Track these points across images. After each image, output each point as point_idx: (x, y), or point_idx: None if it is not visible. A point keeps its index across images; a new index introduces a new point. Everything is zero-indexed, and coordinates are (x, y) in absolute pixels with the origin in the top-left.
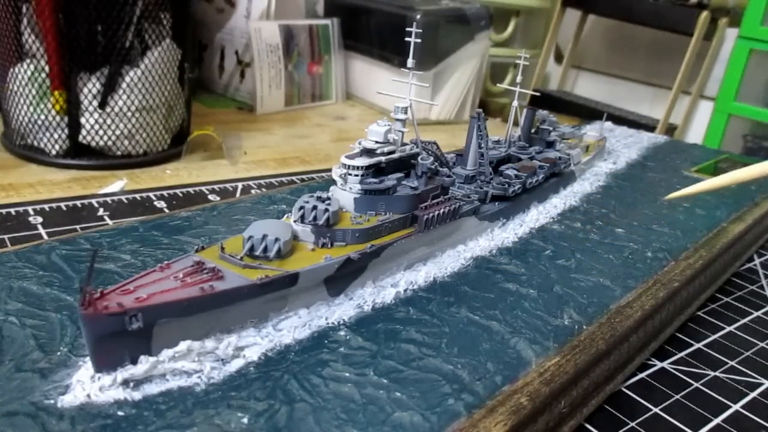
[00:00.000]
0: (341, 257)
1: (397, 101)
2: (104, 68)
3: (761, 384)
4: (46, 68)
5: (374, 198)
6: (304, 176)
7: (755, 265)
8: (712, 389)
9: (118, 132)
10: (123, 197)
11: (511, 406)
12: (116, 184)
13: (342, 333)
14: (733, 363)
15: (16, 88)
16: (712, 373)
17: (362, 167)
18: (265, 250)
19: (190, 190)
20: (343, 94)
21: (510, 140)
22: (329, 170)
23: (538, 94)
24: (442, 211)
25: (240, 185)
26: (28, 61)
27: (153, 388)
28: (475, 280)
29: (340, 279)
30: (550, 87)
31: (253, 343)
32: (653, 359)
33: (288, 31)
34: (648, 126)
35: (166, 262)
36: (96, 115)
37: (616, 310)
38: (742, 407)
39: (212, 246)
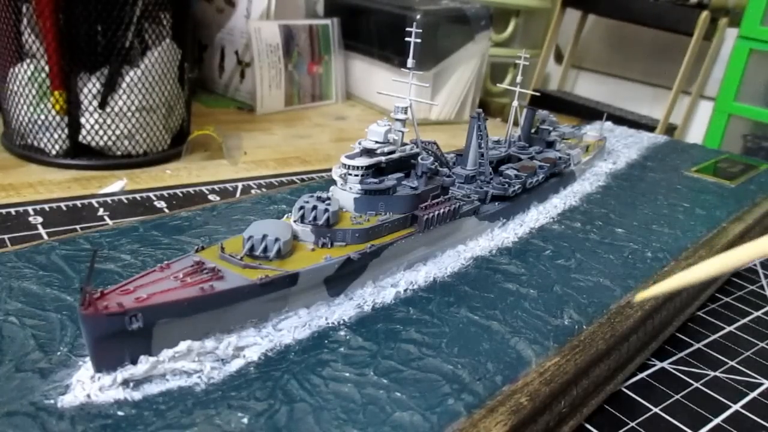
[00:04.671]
0: (341, 257)
1: (397, 101)
2: (104, 68)
3: (761, 384)
4: (46, 68)
5: (374, 198)
6: (304, 176)
7: (755, 265)
8: (712, 389)
9: (118, 132)
10: (123, 197)
11: (511, 406)
12: (116, 184)
13: (342, 333)
14: (733, 363)
15: (16, 88)
16: (712, 373)
17: (362, 167)
18: (265, 250)
19: (190, 190)
20: (343, 94)
21: (510, 140)
22: (329, 170)
23: (538, 94)
24: (442, 211)
25: (240, 185)
26: (28, 61)
27: (153, 388)
28: (475, 280)
29: (340, 279)
30: (550, 87)
31: (253, 343)
32: (653, 359)
33: (288, 31)
34: (648, 126)
35: (166, 262)
36: (96, 115)
37: (616, 310)
38: (742, 407)
39: (212, 246)
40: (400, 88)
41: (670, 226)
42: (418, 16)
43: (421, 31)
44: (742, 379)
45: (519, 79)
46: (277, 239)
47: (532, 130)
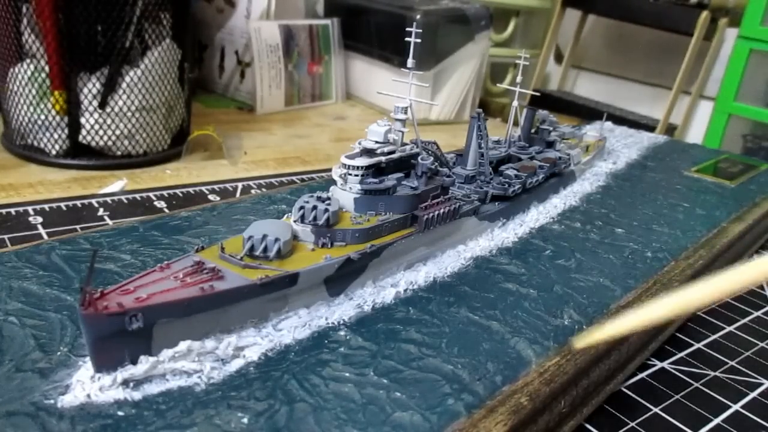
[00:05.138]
0: (341, 257)
1: (397, 101)
2: (104, 68)
3: (761, 384)
4: (46, 68)
5: (374, 198)
6: (304, 176)
7: None
8: (712, 389)
9: (118, 132)
10: (123, 197)
11: (511, 406)
12: (116, 184)
13: (342, 333)
14: (733, 363)
15: (16, 88)
16: (712, 373)
17: (362, 167)
18: (265, 250)
19: (190, 190)
20: (343, 94)
21: (510, 140)
22: (329, 170)
23: (538, 94)
24: (442, 211)
25: (240, 185)
26: (28, 61)
27: (153, 388)
28: (475, 280)
29: (340, 279)
30: (550, 87)
31: (253, 343)
32: (653, 359)
33: (288, 31)
34: (648, 126)
35: (166, 262)
36: (96, 115)
37: (616, 310)
38: (742, 407)
39: (212, 246)
40: (400, 88)
41: (670, 226)
42: (418, 16)
43: (421, 31)
44: (742, 379)
45: (519, 79)
46: (277, 239)
47: (532, 130)
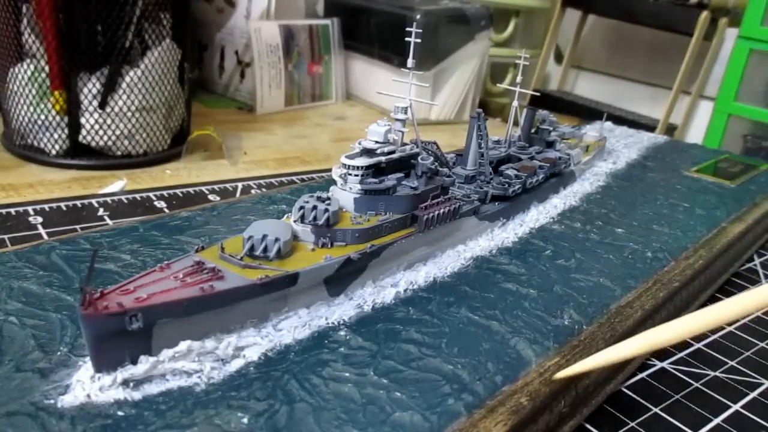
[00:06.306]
0: (341, 257)
1: (397, 101)
2: (104, 68)
3: (761, 384)
4: (46, 68)
5: (374, 198)
6: (304, 176)
7: (755, 265)
8: (712, 389)
9: (118, 132)
10: (123, 197)
11: (511, 406)
12: (116, 184)
13: (342, 333)
14: (733, 363)
15: (16, 88)
16: (712, 373)
17: (362, 167)
18: (265, 250)
19: (190, 190)
20: (343, 94)
21: (510, 140)
22: (329, 170)
23: (538, 94)
24: (442, 211)
25: (240, 185)
26: (28, 61)
27: (153, 388)
28: (475, 280)
29: (340, 279)
30: (550, 87)
31: (253, 343)
32: (653, 359)
33: (288, 31)
34: (648, 126)
35: (166, 262)
36: (96, 115)
37: (616, 310)
38: (742, 407)
39: (212, 246)
40: (400, 88)
41: (670, 226)
42: (418, 16)
43: (421, 31)
44: (742, 379)
45: (519, 79)
46: (277, 239)
47: (532, 130)
